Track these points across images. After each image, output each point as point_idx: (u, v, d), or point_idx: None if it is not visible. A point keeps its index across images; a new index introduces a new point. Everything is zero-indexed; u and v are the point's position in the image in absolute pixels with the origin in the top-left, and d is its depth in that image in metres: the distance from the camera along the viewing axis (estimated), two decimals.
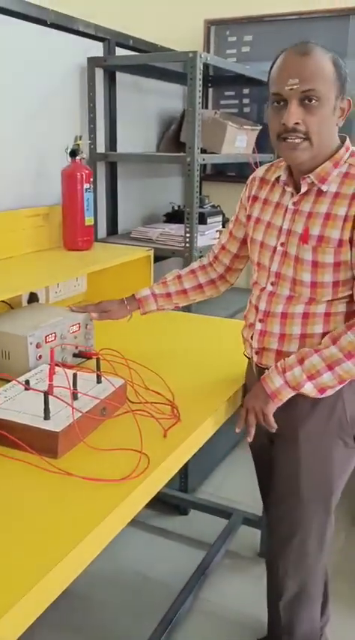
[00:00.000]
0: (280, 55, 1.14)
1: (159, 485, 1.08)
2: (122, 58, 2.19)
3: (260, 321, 1.28)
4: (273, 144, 1.17)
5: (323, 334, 1.21)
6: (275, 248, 1.25)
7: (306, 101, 1.10)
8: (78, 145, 1.90)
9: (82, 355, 1.50)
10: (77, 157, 1.90)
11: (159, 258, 2.16)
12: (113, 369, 1.37)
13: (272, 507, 1.39)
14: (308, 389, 1.19)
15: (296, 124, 1.11)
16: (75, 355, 1.50)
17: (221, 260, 1.49)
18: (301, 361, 1.19)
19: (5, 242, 1.80)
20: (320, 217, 1.17)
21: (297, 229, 1.21)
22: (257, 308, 1.30)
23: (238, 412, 1.39)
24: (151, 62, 2.12)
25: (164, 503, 2.24)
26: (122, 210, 2.44)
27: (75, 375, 1.20)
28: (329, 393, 1.20)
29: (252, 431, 1.29)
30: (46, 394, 1.11)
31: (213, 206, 2.50)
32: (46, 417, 1.10)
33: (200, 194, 2.08)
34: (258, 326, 1.28)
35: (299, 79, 1.09)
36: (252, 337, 1.31)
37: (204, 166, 2.89)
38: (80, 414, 1.11)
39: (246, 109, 2.77)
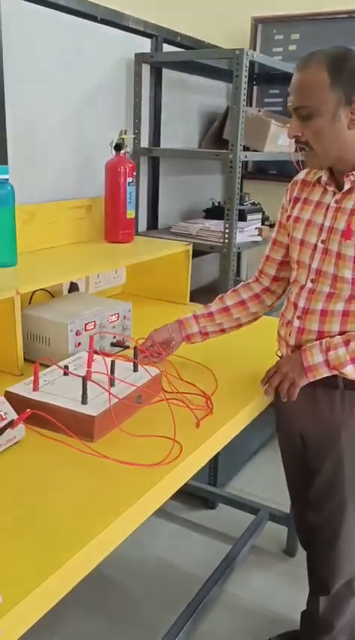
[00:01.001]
0: None
1: (189, 473, 1.09)
2: (169, 55, 2.20)
3: (298, 318, 1.28)
4: None
5: None
6: (315, 245, 1.26)
7: (302, 115, 1.14)
8: (122, 139, 1.92)
9: (120, 345, 1.52)
10: (121, 151, 1.92)
11: (197, 253, 2.16)
12: (149, 359, 1.39)
13: (311, 510, 1.38)
14: (349, 370, 1.20)
15: (297, 136, 1.16)
16: (113, 344, 1.52)
17: (266, 272, 1.45)
18: (347, 342, 1.20)
19: (47, 232, 1.83)
20: None
21: (339, 226, 1.21)
22: (296, 305, 1.29)
23: (270, 406, 1.40)
24: (197, 59, 2.13)
25: (192, 496, 2.25)
26: (163, 205, 2.45)
27: (113, 362, 1.23)
28: None
29: (271, 392, 1.29)
30: (85, 379, 1.13)
31: (253, 203, 2.50)
32: (84, 401, 1.12)
33: (241, 191, 2.09)
34: (296, 323, 1.28)
35: (293, 97, 1.15)
36: (289, 334, 1.31)
37: (245, 164, 2.88)
38: (116, 400, 1.13)
39: None
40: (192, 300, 2.04)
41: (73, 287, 1.84)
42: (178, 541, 2.10)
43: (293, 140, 1.18)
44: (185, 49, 2.36)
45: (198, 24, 2.64)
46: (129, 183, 1.93)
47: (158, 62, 2.20)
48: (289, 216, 1.33)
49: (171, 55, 2.21)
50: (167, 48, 2.30)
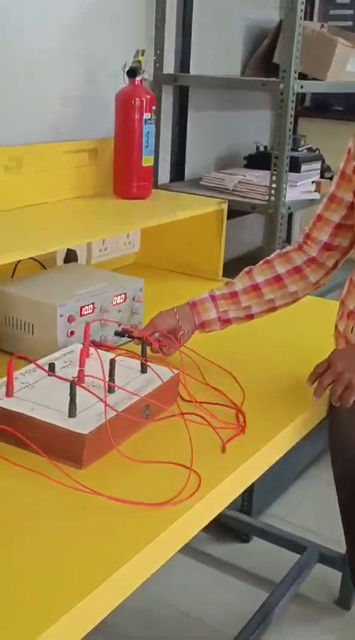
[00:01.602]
0: None
1: (211, 513, 1.05)
2: None
3: None
4: None
5: None
6: None
7: None
8: (139, 62, 1.88)
9: (127, 334, 1.47)
10: (137, 78, 1.88)
11: (235, 213, 2.14)
12: (164, 356, 1.34)
13: None
14: None
15: None
16: (117, 333, 1.48)
17: (315, 237, 1.38)
18: None
19: (38, 184, 1.79)
20: None
21: None
22: None
23: (323, 422, 1.35)
24: None
25: (220, 526, 2.22)
26: (192, 150, 2.43)
27: (112, 362, 1.17)
28: None
29: (321, 392, 1.24)
30: (73, 384, 1.08)
31: (310, 149, 2.49)
32: (71, 413, 1.07)
33: (294, 133, 2.15)
34: None
35: None
36: (352, 330, 1.25)
37: (302, 96, 2.87)
38: (114, 413, 1.08)
39: None
40: (226, 274, 1.99)
41: (70, 256, 1.81)
42: (200, 582, 2.08)
43: None
44: None
45: None
46: (146, 120, 1.89)
47: None
48: None
49: None
50: None
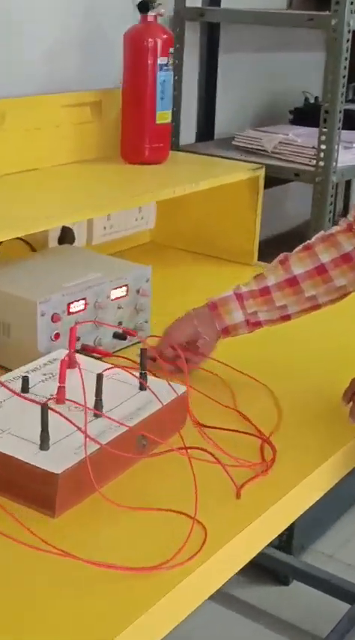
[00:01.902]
0: None
1: (219, 580, 0.98)
2: None
3: None
4: None
5: None
6: None
7: None
8: None
9: (129, 334, 1.43)
10: (150, 13, 1.85)
11: (274, 181, 2.10)
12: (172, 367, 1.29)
13: None
14: None
15: None
16: (116, 336, 1.43)
17: None
18: None
19: (27, 145, 1.77)
20: None
21: None
22: None
23: None
24: None
25: (254, 565, 2.14)
26: (224, 102, 2.41)
27: (99, 378, 1.11)
28: None
29: None
30: (45, 408, 1.01)
31: None
32: (44, 445, 1.02)
33: (350, 82, 2.04)
34: None
35: None
36: None
37: None
38: (96, 447, 1.01)
39: None
40: (262, 258, 1.98)
41: (66, 236, 1.79)
42: (231, 636, 2.06)
43: None
44: None
45: None
46: (162, 66, 1.86)
47: None
48: None
49: None
50: None
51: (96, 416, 1.09)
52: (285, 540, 2.19)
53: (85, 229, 1.85)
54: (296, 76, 2.65)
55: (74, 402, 1.09)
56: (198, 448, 1.08)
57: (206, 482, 1.03)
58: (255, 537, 1.04)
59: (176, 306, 1.63)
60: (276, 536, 1.13)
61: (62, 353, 1.25)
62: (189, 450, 1.06)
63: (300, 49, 2.67)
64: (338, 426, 1.23)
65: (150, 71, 1.83)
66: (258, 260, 1.97)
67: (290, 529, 2.18)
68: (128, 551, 0.93)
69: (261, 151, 2.15)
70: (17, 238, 1.57)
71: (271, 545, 2.15)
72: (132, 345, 1.43)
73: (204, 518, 0.98)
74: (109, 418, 1.07)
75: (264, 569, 2.19)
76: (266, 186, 1.96)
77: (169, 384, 1.18)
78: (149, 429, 1.11)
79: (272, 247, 2.00)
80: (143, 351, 1.18)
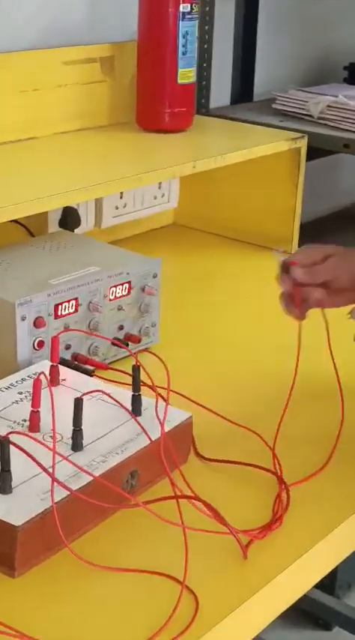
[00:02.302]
0: None
1: None
2: None
3: None
4: None
5: None
6: None
7: None
8: None
9: (130, 341, 1.39)
10: None
11: (320, 152, 2.09)
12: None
13: None
14: None
15: None
16: (118, 341, 1.38)
17: None
18: None
19: (23, 110, 1.74)
20: None
21: None
22: None
23: None
24: None
25: (293, 608, 2.16)
26: (266, 56, 2.37)
27: (78, 404, 1.04)
28: None
29: None
30: (5, 443, 0.95)
31: None
32: (4, 487, 0.96)
33: None
34: None
35: None
36: None
37: None
38: (66, 494, 0.94)
39: None
40: (303, 244, 1.92)
41: (70, 218, 1.77)
42: None
43: None
44: None
45: None
46: (184, 14, 1.79)
47: None
48: None
49: None
50: None
51: (75, 449, 1.03)
52: (327, 578, 2.11)
53: (94, 210, 1.85)
54: (352, 27, 2.62)
55: (53, 430, 1.03)
56: (191, 498, 1.00)
57: (202, 536, 0.95)
58: (263, 609, 0.97)
59: (194, 304, 1.64)
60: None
61: (46, 365, 1.21)
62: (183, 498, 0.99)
63: None
64: None
65: (169, 21, 1.78)
66: (299, 246, 1.92)
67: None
68: (98, 625, 0.86)
69: (306, 115, 2.10)
70: (12, 221, 1.52)
71: None
72: (138, 352, 1.37)
73: (196, 582, 0.91)
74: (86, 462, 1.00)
75: (302, 611, 2.18)
76: (310, 159, 1.91)
77: (171, 407, 1.11)
78: (141, 465, 1.05)
79: (314, 232, 2.03)
80: (136, 368, 1.12)
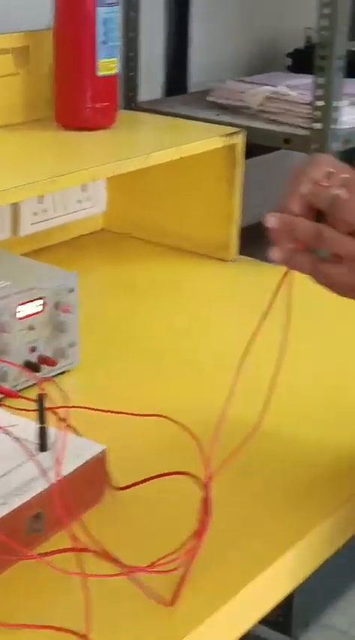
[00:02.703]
0: None
1: None
2: None
3: None
4: None
5: None
6: None
7: None
8: None
9: (45, 364, 1.37)
10: None
11: (259, 149, 2.13)
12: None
13: None
14: None
15: None
16: (29, 365, 1.37)
17: None
18: None
19: None
20: None
21: None
22: None
23: None
24: None
25: None
26: (201, 43, 2.44)
27: None
28: None
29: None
30: None
31: None
32: None
33: None
34: None
35: None
36: None
37: None
38: None
39: None
40: (245, 251, 1.96)
41: None
42: None
43: None
44: None
45: None
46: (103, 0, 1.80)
47: None
48: None
49: None
50: None
51: None
52: (282, 615, 2.14)
53: (9, 216, 1.83)
54: (298, 10, 2.62)
55: None
56: (91, 552, 0.97)
57: (111, 582, 0.94)
58: None
59: (123, 318, 1.64)
60: None
61: None
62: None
63: None
64: (319, 492, 1.16)
65: (86, 7, 1.77)
66: (240, 254, 1.94)
67: (289, 599, 2.11)
68: None
69: (244, 107, 2.12)
70: None
71: (264, 621, 2.13)
72: (56, 375, 1.37)
73: (101, 634, 0.89)
74: None
75: None
76: (250, 155, 1.91)
77: (82, 439, 1.11)
78: (47, 506, 1.02)
79: (255, 238, 1.98)
80: (40, 397, 1.10)
